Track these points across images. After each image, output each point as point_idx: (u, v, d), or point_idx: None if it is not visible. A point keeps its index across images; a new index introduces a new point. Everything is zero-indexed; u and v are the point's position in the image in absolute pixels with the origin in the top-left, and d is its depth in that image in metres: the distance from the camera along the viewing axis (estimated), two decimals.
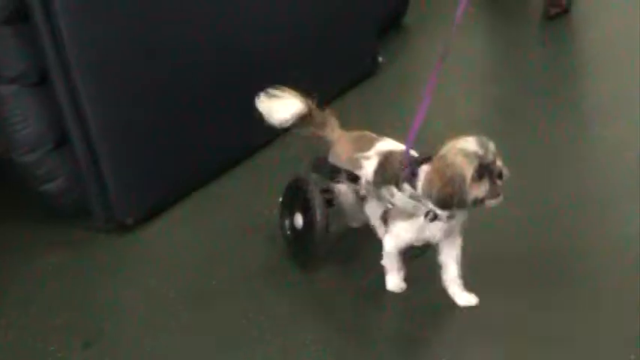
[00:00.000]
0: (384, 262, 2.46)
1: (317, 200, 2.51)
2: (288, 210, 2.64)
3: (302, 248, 2.60)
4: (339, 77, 3.49)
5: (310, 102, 2.56)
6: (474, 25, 4.17)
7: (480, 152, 2.14)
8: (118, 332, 2.39)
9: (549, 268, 2.42)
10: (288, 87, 2.57)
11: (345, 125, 2.63)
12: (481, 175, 2.14)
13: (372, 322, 2.37)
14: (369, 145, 2.50)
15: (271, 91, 2.55)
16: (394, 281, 2.47)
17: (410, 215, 2.31)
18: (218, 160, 3.13)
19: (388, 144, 2.48)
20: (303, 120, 2.55)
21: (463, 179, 2.14)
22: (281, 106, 2.54)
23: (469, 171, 2.14)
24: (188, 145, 2.99)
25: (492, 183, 2.16)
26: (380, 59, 3.69)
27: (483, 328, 2.25)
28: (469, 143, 2.17)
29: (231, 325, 2.36)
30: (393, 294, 2.44)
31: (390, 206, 2.35)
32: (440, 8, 4.30)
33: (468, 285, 2.34)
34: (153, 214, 2.90)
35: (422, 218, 2.28)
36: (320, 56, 3.39)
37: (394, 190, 2.32)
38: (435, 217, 2.26)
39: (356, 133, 2.59)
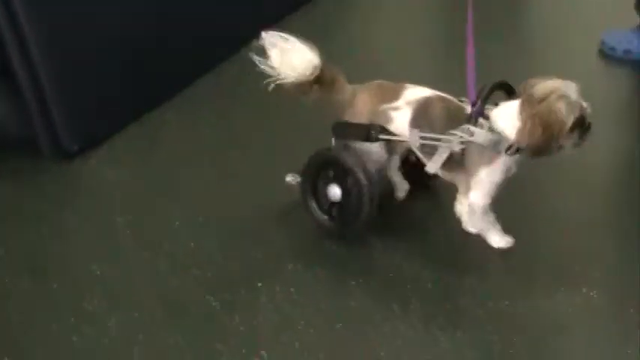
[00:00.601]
0: (478, 223, 2.33)
1: (355, 160, 2.34)
2: (312, 189, 2.46)
3: (345, 221, 2.43)
4: (279, 2, 3.48)
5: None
6: None
7: (581, 101, 2.09)
8: (65, 259, 2.42)
9: None
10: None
11: None
12: (576, 124, 2.09)
13: None
14: (393, 94, 2.33)
15: (275, 38, 2.31)
16: (499, 237, 2.35)
17: (491, 156, 2.21)
18: (162, 89, 3.13)
19: (417, 91, 2.33)
20: (314, 79, 2.32)
21: (563, 127, 2.08)
22: (295, 59, 2.31)
23: (570, 120, 2.07)
24: (132, 72, 2.99)
25: (582, 134, 2.12)
26: None
27: None
28: (570, 89, 2.09)
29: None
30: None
31: (457, 149, 2.21)
32: None
33: None
34: (99, 141, 2.91)
35: (503, 155, 2.19)
36: None
37: (472, 127, 2.18)
38: (517, 151, 2.17)
39: (373, 84, 2.40)
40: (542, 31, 3.66)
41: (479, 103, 2.20)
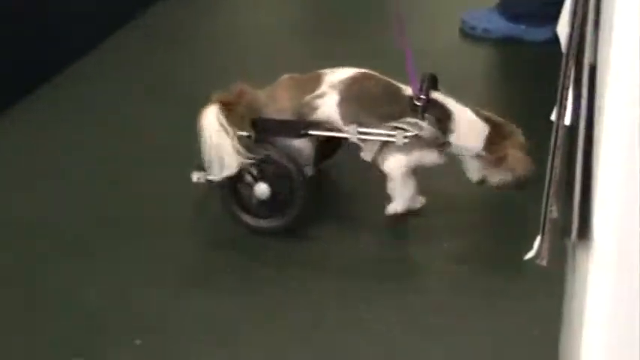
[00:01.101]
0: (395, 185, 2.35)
1: (280, 152, 2.31)
2: (234, 194, 2.39)
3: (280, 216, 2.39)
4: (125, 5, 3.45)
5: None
6: None
7: None
8: None
9: None
10: None
11: None
12: None
13: None
14: (313, 83, 2.32)
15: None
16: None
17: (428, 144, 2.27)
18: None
19: (337, 74, 2.32)
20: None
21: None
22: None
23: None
24: None
25: None
26: None
27: None
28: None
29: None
30: None
31: (401, 144, 2.25)
32: None
33: None
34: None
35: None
36: None
37: (421, 123, 2.23)
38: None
39: (284, 80, 2.37)
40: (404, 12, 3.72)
41: (423, 94, 2.23)
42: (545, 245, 1.41)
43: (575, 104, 1.36)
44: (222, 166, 2.25)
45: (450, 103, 2.28)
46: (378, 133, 2.28)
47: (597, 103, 1.28)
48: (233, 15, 3.57)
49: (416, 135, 2.25)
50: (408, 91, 2.29)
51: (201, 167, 2.35)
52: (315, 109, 2.30)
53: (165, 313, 2.12)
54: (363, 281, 2.24)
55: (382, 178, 2.36)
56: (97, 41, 3.20)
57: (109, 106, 2.93)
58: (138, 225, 2.41)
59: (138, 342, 2.02)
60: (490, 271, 2.29)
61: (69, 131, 2.82)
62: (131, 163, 2.67)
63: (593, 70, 1.28)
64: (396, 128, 2.25)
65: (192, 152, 2.29)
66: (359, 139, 2.31)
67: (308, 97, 2.30)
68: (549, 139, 1.50)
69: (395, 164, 2.31)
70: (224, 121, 2.23)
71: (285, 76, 2.38)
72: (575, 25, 1.28)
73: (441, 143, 2.27)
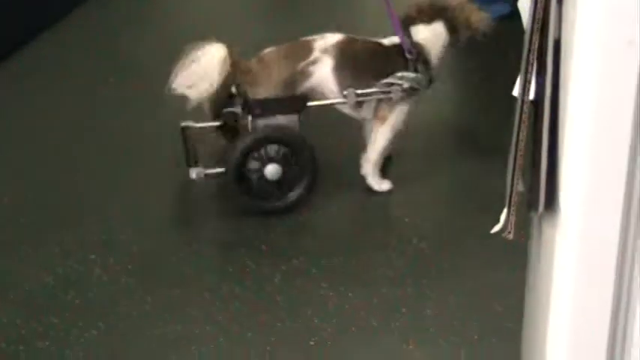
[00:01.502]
0: (373, 163, 2.45)
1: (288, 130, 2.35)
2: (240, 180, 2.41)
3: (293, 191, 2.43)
4: None
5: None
6: None
7: None
8: None
9: None
10: None
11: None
12: None
13: None
14: (303, 50, 2.34)
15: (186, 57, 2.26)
16: (381, 180, 2.49)
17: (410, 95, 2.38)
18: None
19: (326, 39, 2.36)
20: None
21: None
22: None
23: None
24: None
25: None
26: None
27: None
28: None
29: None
30: None
31: (399, 96, 2.35)
32: None
33: None
34: None
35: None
36: None
37: (413, 75, 2.36)
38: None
39: (271, 52, 2.38)
40: None
41: (412, 49, 2.36)
42: (512, 219, 1.43)
43: (537, 79, 1.37)
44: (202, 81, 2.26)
45: (419, 35, 2.41)
46: (375, 92, 2.35)
47: (562, 77, 1.29)
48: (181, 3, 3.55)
49: (411, 87, 2.35)
50: (392, 41, 2.39)
51: (193, 163, 2.40)
52: (309, 76, 2.33)
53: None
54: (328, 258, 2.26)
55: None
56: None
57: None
58: None
59: None
60: (453, 244, 2.31)
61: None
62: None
63: (557, 44, 1.30)
64: (391, 84, 2.34)
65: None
66: (357, 102, 2.36)
67: (301, 65, 2.32)
68: (511, 114, 1.53)
69: (392, 118, 2.40)
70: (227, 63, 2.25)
71: (269, 49, 2.39)
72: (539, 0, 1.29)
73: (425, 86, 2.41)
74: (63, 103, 2.86)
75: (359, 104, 2.40)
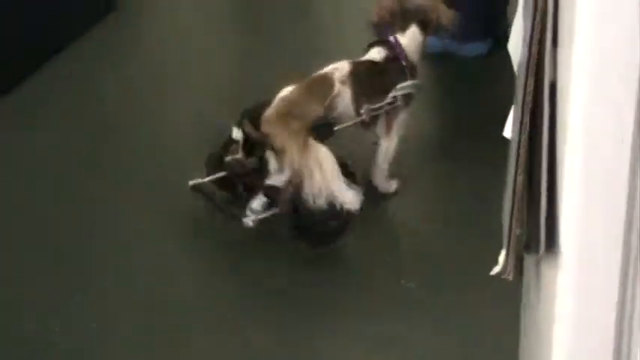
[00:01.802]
0: (384, 170, 2.60)
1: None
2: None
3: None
4: (79, 16, 3.40)
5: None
6: None
7: None
8: None
9: None
10: None
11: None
12: None
13: None
14: (323, 86, 2.44)
15: None
16: (390, 181, 2.65)
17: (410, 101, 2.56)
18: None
19: (337, 69, 2.48)
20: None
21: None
22: None
23: None
24: None
25: None
26: None
27: None
28: None
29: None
30: None
31: (399, 102, 2.51)
32: None
33: None
34: None
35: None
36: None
37: (406, 83, 2.53)
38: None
39: (293, 91, 2.43)
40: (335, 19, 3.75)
41: (405, 60, 2.53)
42: (511, 261, 1.43)
43: (531, 120, 1.38)
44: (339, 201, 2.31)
45: (402, 41, 2.57)
46: (385, 104, 2.51)
47: (559, 118, 1.30)
48: (172, 30, 3.55)
49: (411, 93, 2.55)
50: (381, 56, 2.55)
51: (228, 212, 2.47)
52: (334, 108, 2.45)
53: None
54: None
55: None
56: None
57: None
58: None
59: None
60: (447, 283, 2.32)
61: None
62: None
63: (552, 86, 1.31)
64: (394, 96, 2.52)
65: None
66: (372, 117, 2.53)
67: (328, 100, 2.43)
68: (500, 154, 1.54)
69: (398, 126, 2.57)
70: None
71: (288, 88, 2.44)
72: (533, 43, 1.30)
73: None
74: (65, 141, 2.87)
75: (374, 121, 2.54)
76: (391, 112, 2.54)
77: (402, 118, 2.59)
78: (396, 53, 2.55)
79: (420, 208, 2.64)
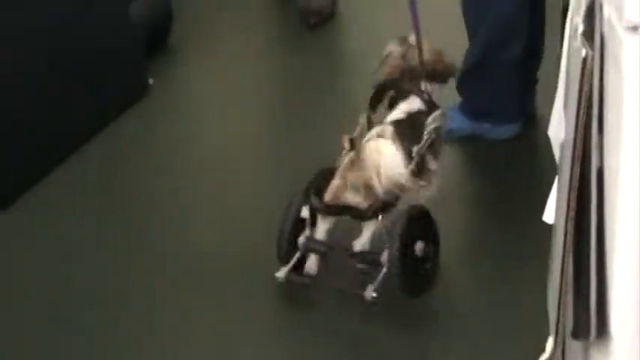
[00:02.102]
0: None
1: (290, 211, 2.49)
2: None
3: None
4: (107, 105, 3.44)
5: None
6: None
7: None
8: None
9: None
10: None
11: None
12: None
13: None
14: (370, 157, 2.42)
15: None
16: None
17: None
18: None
19: (375, 135, 2.49)
20: None
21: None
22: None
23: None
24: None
25: None
26: (149, 81, 3.68)
27: None
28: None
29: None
30: None
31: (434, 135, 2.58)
32: (204, 27, 4.35)
33: None
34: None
35: None
36: (84, 85, 3.33)
37: (433, 115, 2.62)
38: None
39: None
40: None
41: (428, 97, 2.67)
42: (559, 347, 1.43)
43: (574, 205, 1.38)
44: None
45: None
46: (426, 141, 2.55)
47: (607, 204, 1.31)
48: (200, 118, 3.59)
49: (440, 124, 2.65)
50: (415, 106, 2.63)
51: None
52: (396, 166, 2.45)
53: None
54: None
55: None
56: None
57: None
58: None
59: None
60: None
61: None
62: None
63: (600, 173, 1.32)
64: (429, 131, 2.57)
65: None
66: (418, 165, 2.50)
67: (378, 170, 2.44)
68: (541, 239, 1.53)
69: (437, 172, 2.62)
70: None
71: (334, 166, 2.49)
72: (579, 130, 1.32)
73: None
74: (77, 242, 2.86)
75: (420, 170, 2.50)
76: (433, 148, 2.60)
77: (438, 165, 2.63)
78: (431, 101, 2.65)
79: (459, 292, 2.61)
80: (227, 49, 4.12)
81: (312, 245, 2.48)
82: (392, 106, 2.68)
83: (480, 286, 2.53)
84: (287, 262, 2.47)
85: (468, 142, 3.19)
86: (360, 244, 2.50)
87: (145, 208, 2.98)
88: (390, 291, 2.41)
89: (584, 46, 1.28)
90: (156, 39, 4.01)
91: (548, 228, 1.69)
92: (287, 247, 2.47)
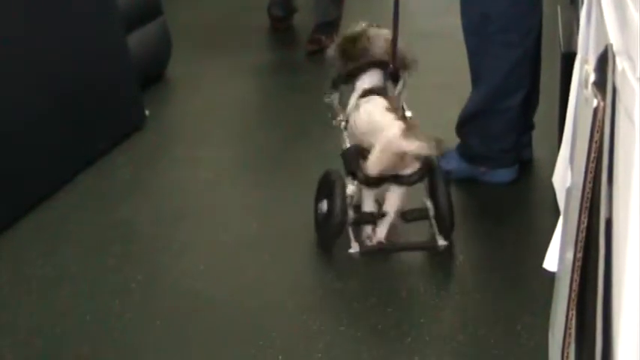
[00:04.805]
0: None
1: (338, 189, 2.64)
2: (320, 196, 2.76)
3: (323, 232, 2.75)
4: (104, 135, 3.43)
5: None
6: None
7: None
8: None
9: None
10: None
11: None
12: None
13: None
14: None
15: None
16: None
17: None
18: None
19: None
20: None
21: None
22: None
23: None
24: None
25: None
26: (146, 112, 3.68)
27: None
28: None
29: None
30: None
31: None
32: (201, 59, 4.36)
33: None
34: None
35: None
36: (80, 116, 3.32)
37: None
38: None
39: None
40: None
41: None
42: None
43: (580, 255, 1.37)
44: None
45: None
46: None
47: (615, 254, 1.29)
48: (191, 153, 3.57)
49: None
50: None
51: None
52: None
53: None
54: None
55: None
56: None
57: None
58: None
59: None
60: None
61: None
62: None
63: (608, 223, 1.30)
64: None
65: None
66: None
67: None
68: (533, 284, 1.51)
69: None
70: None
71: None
72: (588, 180, 1.31)
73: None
74: (66, 273, 2.81)
75: None
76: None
77: None
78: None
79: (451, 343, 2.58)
80: (224, 79, 4.14)
81: (366, 217, 2.73)
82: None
83: (474, 329, 2.51)
84: (335, 239, 2.72)
85: (464, 184, 3.18)
86: (400, 205, 2.73)
87: (136, 245, 2.94)
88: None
89: (595, 97, 1.28)
90: (154, 70, 4.02)
91: (545, 273, 1.68)
92: (340, 225, 2.66)
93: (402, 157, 2.57)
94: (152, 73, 3.99)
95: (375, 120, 2.65)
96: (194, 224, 3.02)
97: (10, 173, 3.00)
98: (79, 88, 3.31)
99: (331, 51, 2.92)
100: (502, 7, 2.93)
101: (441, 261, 2.77)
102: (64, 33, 3.26)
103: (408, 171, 2.63)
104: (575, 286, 1.35)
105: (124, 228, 3.02)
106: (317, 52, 4.32)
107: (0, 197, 2.96)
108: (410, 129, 2.54)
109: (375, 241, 2.73)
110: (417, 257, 2.83)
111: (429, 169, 2.67)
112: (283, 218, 2.99)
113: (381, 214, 2.74)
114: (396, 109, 2.73)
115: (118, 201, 3.17)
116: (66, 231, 2.99)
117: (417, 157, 2.59)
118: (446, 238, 2.74)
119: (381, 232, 2.75)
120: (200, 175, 3.35)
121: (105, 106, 3.45)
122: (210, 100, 3.96)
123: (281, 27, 4.74)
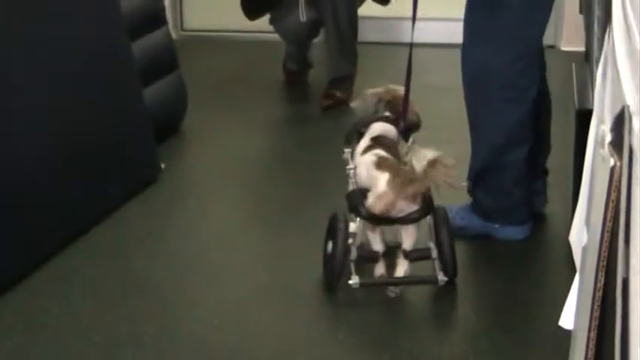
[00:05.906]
0: None
1: (341, 231, 2.74)
2: (327, 237, 2.83)
3: (327, 271, 2.82)
4: (119, 188, 3.45)
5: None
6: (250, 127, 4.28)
7: None
8: None
9: None
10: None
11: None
12: None
13: None
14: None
15: None
16: None
17: None
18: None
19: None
20: None
21: None
22: None
23: None
24: None
25: None
26: (161, 165, 3.70)
27: None
28: None
29: None
30: None
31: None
32: (216, 112, 4.41)
33: None
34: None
35: None
36: (96, 169, 3.33)
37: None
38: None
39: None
40: None
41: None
42: None
43: (597, 314, 1.37)
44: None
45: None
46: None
47: (632, 315, 1.29)
48: (203, 205, 3.58)
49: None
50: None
51: None
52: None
53: None
54: None
55: None
56: None
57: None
58: None
59: None
60: None
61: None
62: None
63: (625, 282, 1.31)
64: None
65: None
66: None
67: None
68: (547, 343, 1.51)
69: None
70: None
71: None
72: (605, 239, 1.31)
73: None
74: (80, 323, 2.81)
75: None
76: None
77: None
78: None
79: None
80: (239, 132, 4.17)
81: (369, 255, 2.81)
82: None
83: None
84: (338, 278, 2.77)
85: (478, 240, 3.18)
86: (410, 243, 2.79)
87: (149, 296, 2.93)
88: None
89: (612, 157, 1.29)
90: (170, 123, 4.05)
91: (560, 331, 1.68)
92: (343, 262, 2.75)
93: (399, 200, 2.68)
94: (168, 126, 4.02)
95: (372, 175, 2.75)
96: (207, 276, 3.03)
97: (26, 224, 3.01)
98: (95, 141, 3.34)
99: (356, 104, 3.07)
100: (502, 62, 2.94)
101: (454, 322, 2.77)
102: (81, 86, 3.29)
103: (408, 210, 2.71)
104: (592, 345, 1.35)
105: (138, 279, 3.02)
106: (331, 107, 4.37)
107: (16, 248, 2.96)
108: (401, 179, 2.65)
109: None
110: (429, 316, 2.83)
111: (429, 207, 2.75)
112: (295, 271, 2.99)
113: (385, 252, 2.81)
114: (398, 155, 2.79)
115: (131, 252, 3.17)
116: (80, 281, 2.99)
117: (414, 198, 2.68)
118: (448, 277, 2.79)
119: (378, 270, 2.82)
120: (213, 227, 3.36)
121: (120, 159, 3.47)
122: (225, 152, 3.99)
123: (296, 81, 4.80)
